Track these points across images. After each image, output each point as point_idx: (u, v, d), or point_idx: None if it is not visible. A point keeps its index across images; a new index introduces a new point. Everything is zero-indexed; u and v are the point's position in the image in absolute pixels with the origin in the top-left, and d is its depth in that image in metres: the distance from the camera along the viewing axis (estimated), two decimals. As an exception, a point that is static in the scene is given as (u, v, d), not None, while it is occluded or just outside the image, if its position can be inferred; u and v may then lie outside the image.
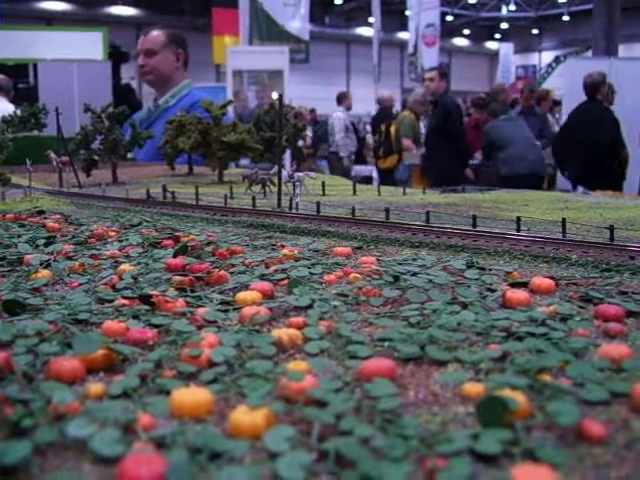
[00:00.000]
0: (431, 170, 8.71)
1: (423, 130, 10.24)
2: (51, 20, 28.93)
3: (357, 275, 1.69)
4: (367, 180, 10.60)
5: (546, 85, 19.69)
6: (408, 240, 2.24)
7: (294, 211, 2.81)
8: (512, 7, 36.51)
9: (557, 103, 11.07)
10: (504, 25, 40.34)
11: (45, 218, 2.79)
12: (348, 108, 11.88)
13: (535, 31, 41.43)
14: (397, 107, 13.72)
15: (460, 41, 42.40)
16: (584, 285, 1.65)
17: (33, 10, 29.84)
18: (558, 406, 0.89)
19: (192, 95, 7.63)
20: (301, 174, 3.24)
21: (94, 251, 2.09)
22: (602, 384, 0.99)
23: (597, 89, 7.65)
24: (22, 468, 0.78)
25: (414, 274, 1.67)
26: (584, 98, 8.13)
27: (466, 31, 41.57)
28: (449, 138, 8.26)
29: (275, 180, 3.22)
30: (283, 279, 1.68)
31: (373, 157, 11.26)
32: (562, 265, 1.91)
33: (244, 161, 6.81)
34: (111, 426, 0.86)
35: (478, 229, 2.26)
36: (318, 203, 2.70)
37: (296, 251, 2.00)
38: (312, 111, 15.78)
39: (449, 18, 36.13)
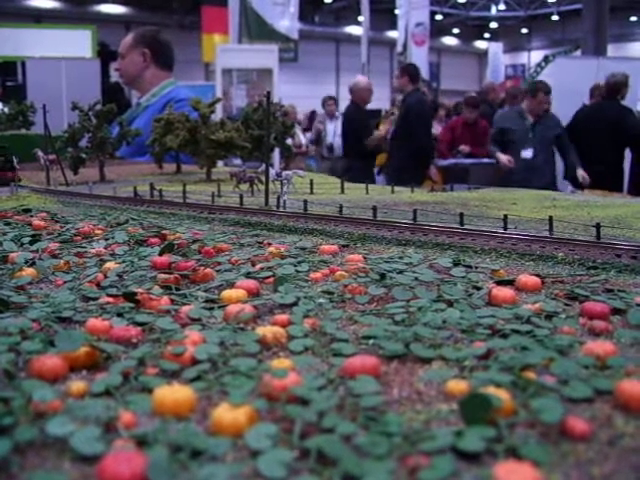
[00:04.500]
0: (389, 168, 8.56)
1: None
2: (40, 18, 28.76)
3: (343, 273, 1.69)
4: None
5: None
6: (395, 238, 2.24)
7: (281, 209, 2.80)
8: (501, 6, 36.56)
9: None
10: (493, 24, 40.36)
11: (31, 216, 2.78)
12: None
13: (524, 30, 41.49)
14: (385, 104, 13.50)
15: (449, 40, 42.42)
16: (570, 283, 1.65)
17: (22, 7, 29.67)
18: (542, 403, 0.89)
19: (172, 92, 7.68)
20: (289, 172, 3.23)
21: (80, 249, 2.08)
22: (586, 381, 0.99)
23: (619, 90, 7.70)
24: (1, 467, 0.78)
25: (400, 272, 1.67)
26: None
27: (455, 30, 41.59)
28: (408, 136, 8.06)
29: (263, 178, 3.22)
30: (269, 277, 1.67)
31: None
32: (548, 263, 1.91)
33: (237, 161, 6.80)
34: (92, 424, 0.86)
35: (465, 227, 2.26)
36: (305, 201, 2.70)
37: (282, 249, 2.00)
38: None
39: (438, 17, 36.15)
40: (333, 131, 10.40)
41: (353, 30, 35.94)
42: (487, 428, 0.84)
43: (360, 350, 1.16)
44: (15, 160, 3.86)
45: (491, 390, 0.92)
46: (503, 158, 7.54)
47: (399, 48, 19.49)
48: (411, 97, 8.22)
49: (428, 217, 2.50)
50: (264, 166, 3.14)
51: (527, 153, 7.46)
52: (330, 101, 10.77)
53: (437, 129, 10.38)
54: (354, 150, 8.67)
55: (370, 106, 9.31)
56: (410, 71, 8.44)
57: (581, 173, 7.30)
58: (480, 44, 42.44)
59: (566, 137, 7.48)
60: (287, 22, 15.63)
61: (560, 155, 7.54)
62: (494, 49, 28.75)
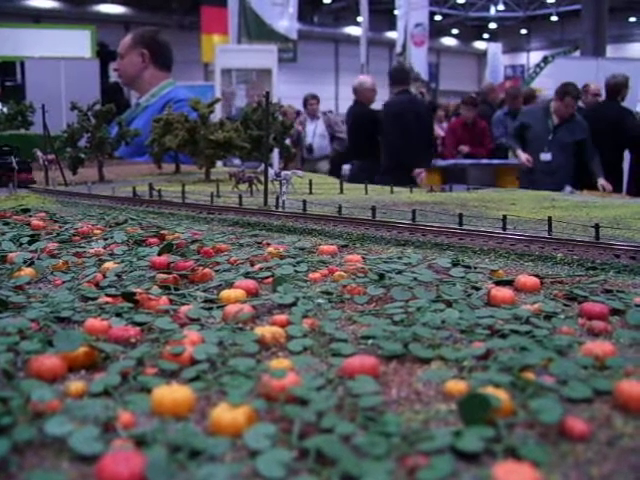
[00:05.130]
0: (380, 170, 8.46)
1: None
2: (39, 18, 28.75)
3: (342, 273, 1.69)
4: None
5: (534, 85, 19.73)
6: (394, 238, 2.24)
7: (280, 209, 2.80)
8: (501, 7, 36.55)
9: None
10: (492, 25, 40.37)
11: (30, 216, 2.78)
12: None
13: (524, 31, 41.51)
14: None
15: (448, 41, 42.42)
16: (569, 283, 1.65)
17: (21, 7, 29.67)
18: (541, 403, 0.89)
19: (172, 92, 7.69)
20: (288, 172, 3.23)
21: (78, 249, 2.08)
22: (585, 382, 0.98)
23: (619, 91, 7.69)
24: (0, 466, 0.78)
25: (399, 272, 1.67)
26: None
27: (455, 31, 41.59)
28: (383, 138, 7.96)
29: (262, 178, 3.22)
30: (268, 277, 1.67)
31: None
32: (547, 263, 1.91)
33: (236, 161, 6.79)
34: (91, 424, 0.86)
35: (464, 227, 2.26)
36: (304, 201, 2.70)
37: (281, 249, 2.00)
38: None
39: (437, 18, 36.16)
40: (313, 131, 10.23)
41: (352, 30, 35.95)
42: (486, 428, 0.84)
43: (359, 350, 1.16)
44: (14, 160, 3.86)
45: (490, 390, 0.92)
46: (523, 157, 7.40)
47: (398, 49, 19.49)
48: (390, 99, 8.24)
49: (427, 217, 2.50)
50: (263, 166, 3.14)
51: (546, 156, 7.33)
52: (313, 100, 10.54)
53: (437, 130, 10.38)
54: (363, 149, 8.56)
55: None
56: (391, 74, 8.44)
57: (602, 183, 7.15)
58: (479, 45, 42.47)
59: (590, 143, 7.30)
60: (286, 22, 15.65)
61: (579, 160, 7.32)
62: (493, 50, 28.80)
